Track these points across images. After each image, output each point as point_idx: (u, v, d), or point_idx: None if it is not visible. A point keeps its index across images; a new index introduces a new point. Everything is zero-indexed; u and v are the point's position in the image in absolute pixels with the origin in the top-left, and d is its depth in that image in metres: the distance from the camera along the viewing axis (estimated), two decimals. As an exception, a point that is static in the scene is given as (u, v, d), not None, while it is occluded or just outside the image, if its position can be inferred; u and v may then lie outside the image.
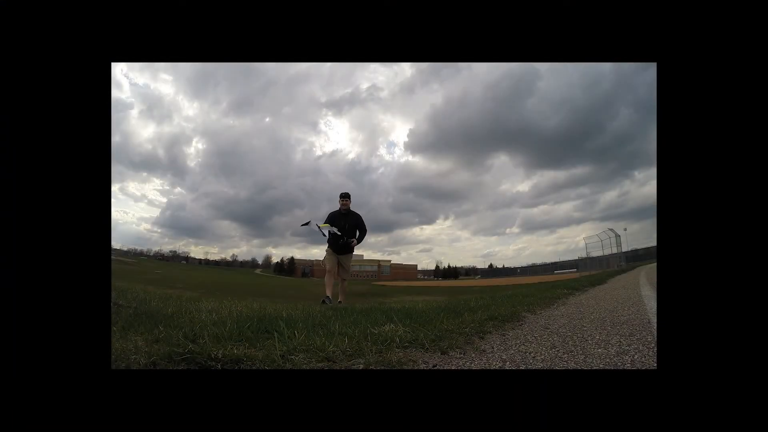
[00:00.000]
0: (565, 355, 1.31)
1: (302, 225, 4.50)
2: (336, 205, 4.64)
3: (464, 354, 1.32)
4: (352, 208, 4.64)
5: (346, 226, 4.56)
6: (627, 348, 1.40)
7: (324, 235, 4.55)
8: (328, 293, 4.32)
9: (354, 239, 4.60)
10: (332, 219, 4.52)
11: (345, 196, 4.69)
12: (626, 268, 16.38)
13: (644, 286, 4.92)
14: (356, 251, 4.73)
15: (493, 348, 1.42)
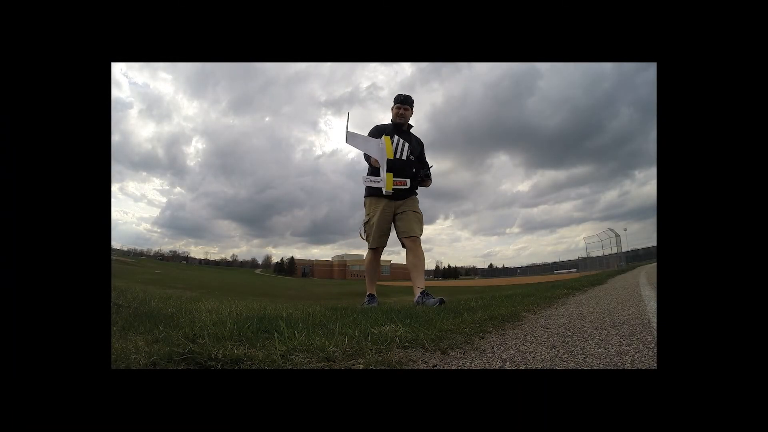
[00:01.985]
0: (565, 355, 1.31)
1: (348, 132, 2.42)
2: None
3: (464, 354, 1.32)
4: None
5: (411, 151, 2.60)
6: (627, 348, 1.40)
7: (369, 163, 2.52)
8: (371, 290, 2.64)
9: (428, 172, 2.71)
10: (385, 136, 2.44)
11: (406, 101, 2.66)
12: (626, 268, 16.38)
13: (644, 286, 4.91)
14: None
15: (493, 348, 1.42)
